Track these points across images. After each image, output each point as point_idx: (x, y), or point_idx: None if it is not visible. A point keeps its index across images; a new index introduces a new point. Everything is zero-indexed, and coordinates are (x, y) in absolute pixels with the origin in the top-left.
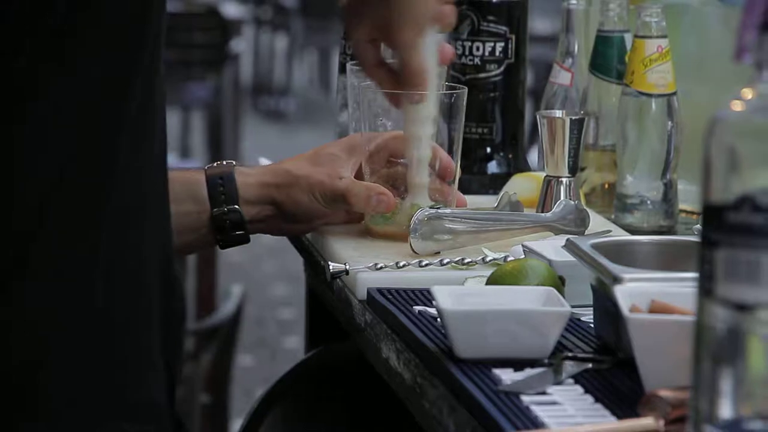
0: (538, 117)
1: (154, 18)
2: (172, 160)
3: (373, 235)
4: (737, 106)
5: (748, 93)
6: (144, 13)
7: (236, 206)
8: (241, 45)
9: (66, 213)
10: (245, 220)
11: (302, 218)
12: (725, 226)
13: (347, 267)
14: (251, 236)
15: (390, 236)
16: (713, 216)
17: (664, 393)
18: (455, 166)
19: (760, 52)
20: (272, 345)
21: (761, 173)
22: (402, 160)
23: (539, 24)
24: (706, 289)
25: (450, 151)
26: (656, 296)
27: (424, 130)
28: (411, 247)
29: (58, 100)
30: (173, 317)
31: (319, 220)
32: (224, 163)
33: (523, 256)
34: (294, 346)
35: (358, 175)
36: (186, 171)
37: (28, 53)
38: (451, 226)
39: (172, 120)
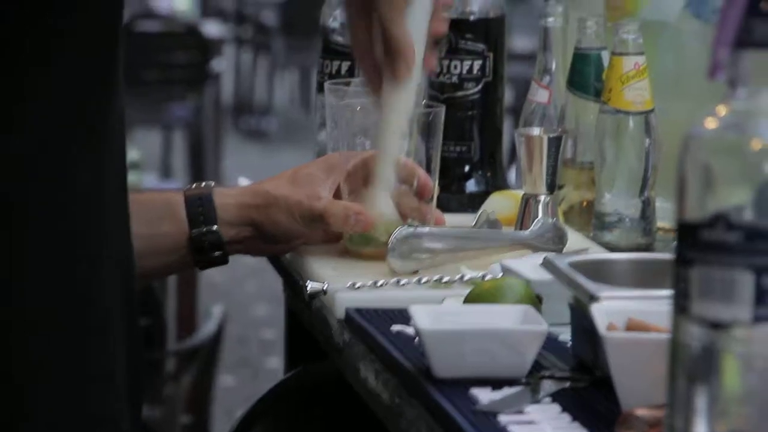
0: (516, 135)
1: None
2: (153, 180)
3: (352, 255)
4: (711, 123)
5: (721, 110)
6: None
7: (215, 227)
8: (222, 64)
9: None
10: (224, 241)
11: (281, 239)
12: (700, 244)
13: (325, 287)
14: (233, 256)
15: (369, 256)
16: (688, 234)
17: (641, 412)
18: (433, 185)
19: (733, 69)
20: (254, 365)
21: (735, 191)
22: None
23: (519, 42)
24: (681, 307)
25: (428, 170)
26: (633, 314)
27: (399, 120)
28: (389, 266)
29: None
30: (136, 336)
31: (298, 240)
32: (203, 184)
33: (501, 275)
34: (276, 366)
35: (337, 195)
36: (165, 192)
37: None
38: (429, 245)
39: (153, 140)
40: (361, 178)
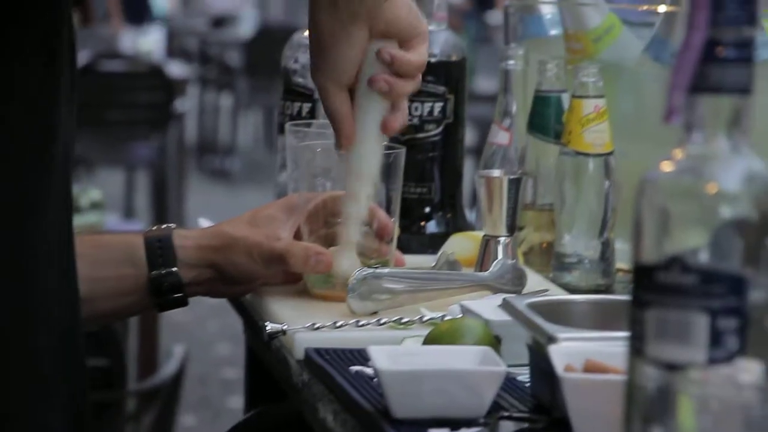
0: (476, 177)
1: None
2: (116, 220)
3: (312, 296)
4: (667, 167)
5: (677, 154)
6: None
7: (174, 269)
8: (185, 105)
9: None
10: (183, 282)
11: (241, 280)
12: (655, 287)
13: (285, 327)
14: (195, 296)
15: (329, 297)
16: (644, 276)
17: None
18: (394, 226)
19: (689, 113)
20: (216, 405)
21: (690, 234)
22: (340, 220)
23: (483, 83)
24: (636, 349)
25: (388, 211)
26: (591, 356)
27: (362, 188)
28: (349, 307)
29: None
30: (77, 376)
31: (258, 281)
32: (163, 226)
33: (460, 316)
34: (237, 405)
35: (297, 236)
36: (125, 234)
37: None
38: (389, 285)
39: (116, 180)
40: (322, 219)
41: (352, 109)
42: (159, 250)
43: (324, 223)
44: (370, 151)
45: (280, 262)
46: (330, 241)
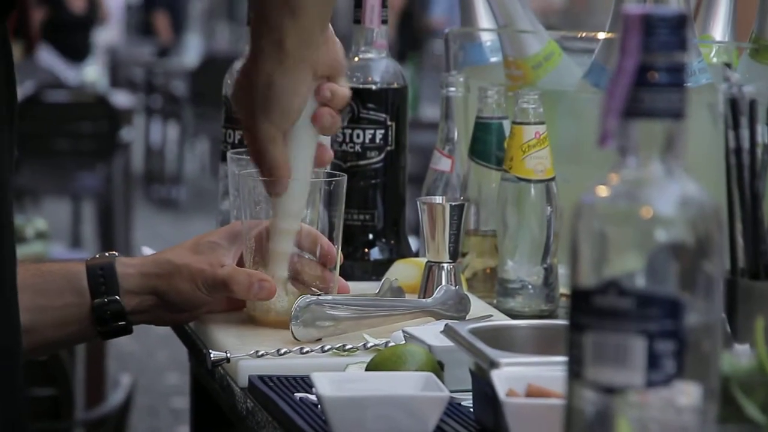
0: (418, 203)
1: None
2: (62, 250)
3: (256, 323)
4: (602, 191)
5: (613, 178)
6: None
7: (117, 297)
8: (131, 134)
9: None
10: (126, 311)
11: (185, 307)
12: (592, 310)
13: (228, 355)
14: (145, 325)
15: (272, 324)
16: (581, 300)
17: None
18: (337, 253)
19: (622, 138)
20: None
21: (627, 257)
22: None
23: (428, 110)
24: (575, 373)
25: (331, 238)
26: (533, 380)
27: (291, 225)
28: (292, 334)
29: None
30: (13, 404)
31: (202, 308)
32: (106, 254)
33: (403, 342)
34: None
35: (240, 264)
36: (67, 263)
37: None
38: (332, 312)
39: (63, 210)
40: (264, 247)
41: (287, 157)
42: (101, 278)
43: (267, 251)
44: (301, 189)
45: (223, 289)
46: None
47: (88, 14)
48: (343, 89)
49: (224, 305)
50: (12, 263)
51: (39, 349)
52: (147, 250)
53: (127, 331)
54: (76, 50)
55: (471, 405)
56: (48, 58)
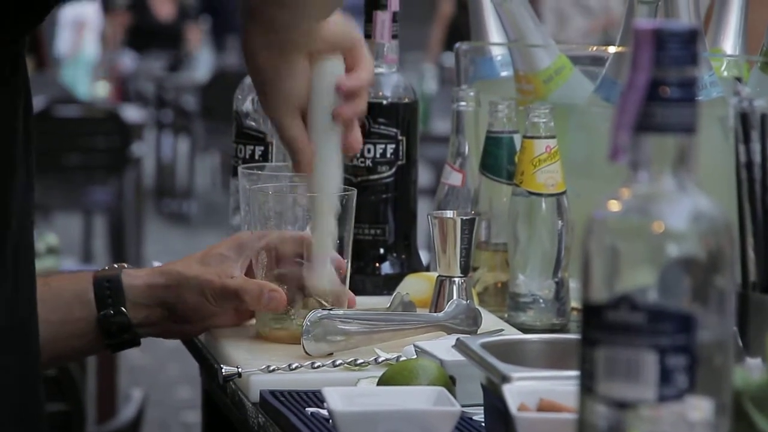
0: (429, 218)
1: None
2: (73, 265)
3: (264, 338)
4: (614, 206)
5: (624, 193)
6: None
7: (123, 309)
8: (142, 149)
9: None
10: (133, 323)
11: (192, 319)
12: (604, 325)
13: (240, 370)
14: (154, 339)
15: (281, 340)
16: (593, 315)
17: None
18: (346, 267)
19: (634, 152)
20: None
21: (638, 272)
22: (298, 260)
23: (440, 125)
24: (587, 388)
25: (341, 252)
26: (545, 395)
27: (329, 204)
28: (304, 348)
29: None
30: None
31: (210, 320)
32: (115, 265)
33: (415, 356)
34: None
35: (248, 274)
36: (76, 274)
37: None
38: (343, 327)
39: (74, 224)
40: (273, 258)
41: (306, 133)
42: (107, 291)
43: (276, 262)
44: (332, 174)
45: (233, 299)
46: (281, 281)
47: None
48: (360, 77)
49: (232, 318)
50: (32, 287)
51: (49, 362)
52: (157, 264)
53: (134, 343)
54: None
55: (483, 419)
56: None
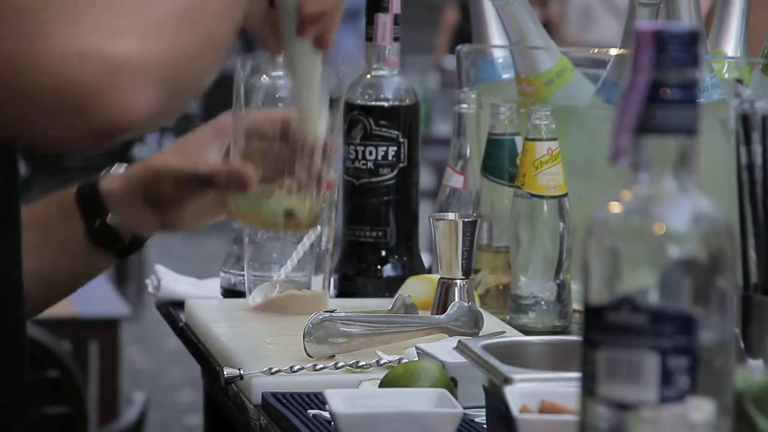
0: (431, 220)
1: None
2: None
3: (239, 218)
4: (615, 207)
5: (625, 194)
6: None
7: (107, 215)
8: (143, 151)
9: None
10: (118, 226)
11: (172, 209)
12: (605, 327)
13: (241, 372)
14: (157, 343)
15: (253, 222)
16: (594, 316)
17: None
18: (333, 143)
19: (635, 154)
20: None
21: (639, 274)
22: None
23: (441, 127)
24: (588, 389)
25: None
26: (546, 396)
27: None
28: (306, 350)
29: None
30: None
31: (189, 210)
32: (100, 174)
33: (416, 358)
34: None
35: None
36: (60, 193)
37: None
38: (345, 329)
39: None
40: (255, 138)
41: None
42: (90, 200)
43: (256, 144)
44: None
45: (206, 185)
46: (257, 159)
47: None
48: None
49: (211, 206)
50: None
51: (52, 293)
52: (160, 268)
53: (130, 248)
54: None
55: (484, 421)
56: None
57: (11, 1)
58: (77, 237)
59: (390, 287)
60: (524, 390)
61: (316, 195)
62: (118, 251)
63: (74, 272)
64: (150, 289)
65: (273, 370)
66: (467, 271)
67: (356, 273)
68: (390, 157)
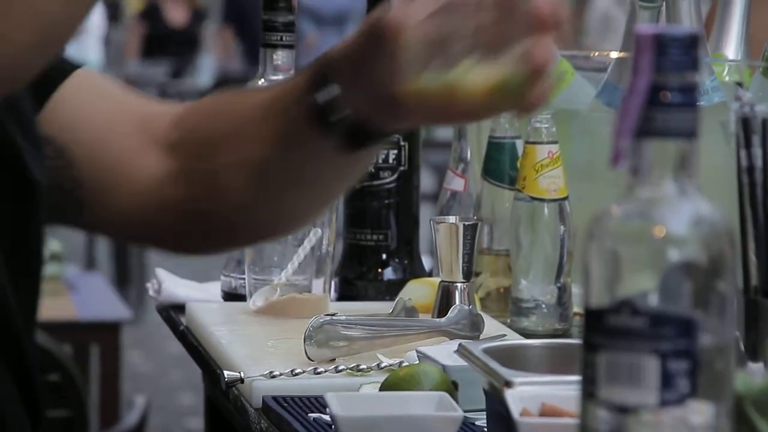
0: (431, 223)
1: None
2: (76, 271)
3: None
4: (615, 210)
5: (626, 197)
6: None
7: (336, 87)
8: None
9: None
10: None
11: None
12: (606, 330)
13: (242, 375)
14: (155, 347)
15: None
16: (594, 320)
17: None
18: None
19: (635, 157)
20: None
21: (640, 277)
22: None
23: (442, 130)
24: (588, 392)
25: None
26: (547, 399)
27: None
28: (306, 354)
29: None
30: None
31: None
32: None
33: (417, 362)
34: None
35: None
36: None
37: None
38: (346, 332)
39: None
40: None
41: None
42: (324, 69)
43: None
44: None
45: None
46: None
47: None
48: None
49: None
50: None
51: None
52: (161, 272)
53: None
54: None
55: (485, 425)
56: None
57: None
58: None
59: (390, 290)
60: (525, 393)
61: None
62: (326, 124)
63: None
64: (151, 292)
65: (274, 374)
66: (468, 275)
67: (357, 276)
68: (391, 160)
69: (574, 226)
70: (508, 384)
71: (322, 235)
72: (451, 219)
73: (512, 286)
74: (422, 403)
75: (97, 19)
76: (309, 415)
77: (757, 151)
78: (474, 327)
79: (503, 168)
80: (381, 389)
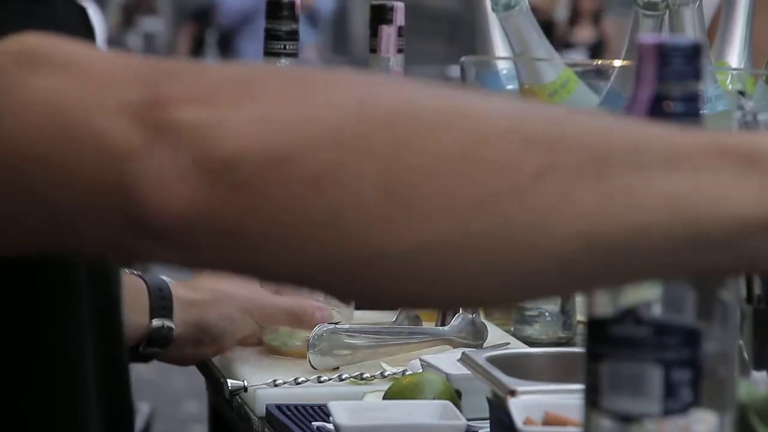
0: None
1: None
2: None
3: (274, 354)
4: None
5: None
6: None
7: (171, 322)
8: None
9: None
10: (173, 338)
11: (224, 337)
12: (609, 339)
13: (246, 384)
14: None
15: (291, 354)
16: (597, 329)
17: None
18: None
19: None
20: None
21: (643, 286)
22: None
23: None
24: (591, 401)
25: None
26: (550, 408)
27: None
28: (310, 362)
29: None
30: None
31: (232, 342)
32: (162, 276)
33: (420, 370)
34: None
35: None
36: (128, 276)
37: None
38: (349, 341)
39: None
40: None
41: None
42: (161, 300)
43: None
44: None
45: (282, 318)
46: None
47: None
48: None
49: (253, 338)
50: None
51: None
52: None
53: (149, 358)
54: None
55: None
56: None
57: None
58: (137, 330)
59: None
60: (528, 402)
61: None
62: (143, 355)
63: None
64: None
65: (277, 382)
66: None
67: None
68: None
69: None
70: (512, 392)
71: None
72: None
73: None
74: (426, 411)
75: (96, 22)
76: (312, 423)
77: None
78: (477, 335)
79: None
80: (384, 398)
